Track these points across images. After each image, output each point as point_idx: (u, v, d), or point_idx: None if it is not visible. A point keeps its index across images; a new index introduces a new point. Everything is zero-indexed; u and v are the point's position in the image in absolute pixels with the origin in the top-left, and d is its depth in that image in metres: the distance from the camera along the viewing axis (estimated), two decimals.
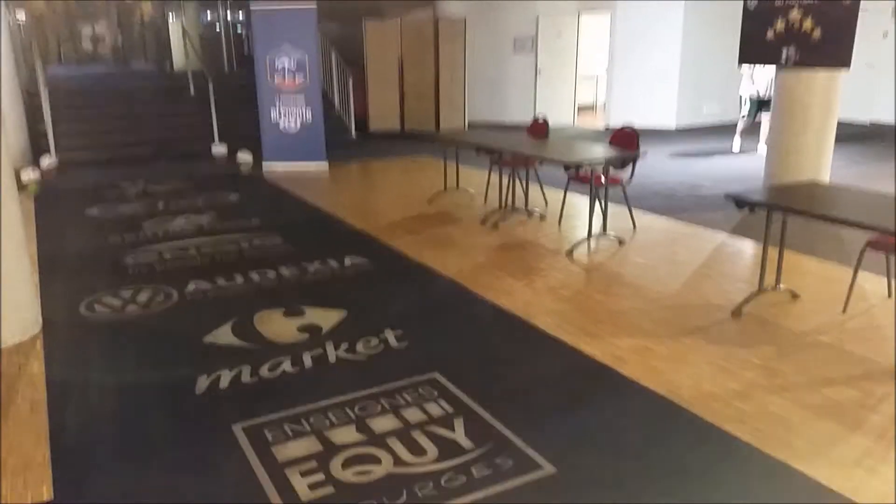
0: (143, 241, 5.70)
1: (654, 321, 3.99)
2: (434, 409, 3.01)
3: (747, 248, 5.41)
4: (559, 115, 12.60)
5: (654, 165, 8.43)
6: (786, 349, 3.61)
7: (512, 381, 3.32)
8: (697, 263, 5.07)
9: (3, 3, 8.71)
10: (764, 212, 4.04)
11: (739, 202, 4.01)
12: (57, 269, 5.03)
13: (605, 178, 5.49)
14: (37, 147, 9.02)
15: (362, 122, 11.33)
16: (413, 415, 2.97)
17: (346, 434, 2.84)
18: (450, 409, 3.02)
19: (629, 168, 5.61)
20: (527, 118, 12.53)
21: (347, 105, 10.82)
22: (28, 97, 9.44)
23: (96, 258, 5.34)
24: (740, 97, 9.68)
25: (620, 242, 5.48)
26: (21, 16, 13.54)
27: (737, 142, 9.87)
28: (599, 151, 5.71)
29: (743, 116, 9.67)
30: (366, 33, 11.47)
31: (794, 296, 4.28)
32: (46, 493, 2.53)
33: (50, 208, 6.88)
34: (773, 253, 4.21)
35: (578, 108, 13.51)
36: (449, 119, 11.84)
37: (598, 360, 3.47)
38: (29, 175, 7.62)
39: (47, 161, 8.34)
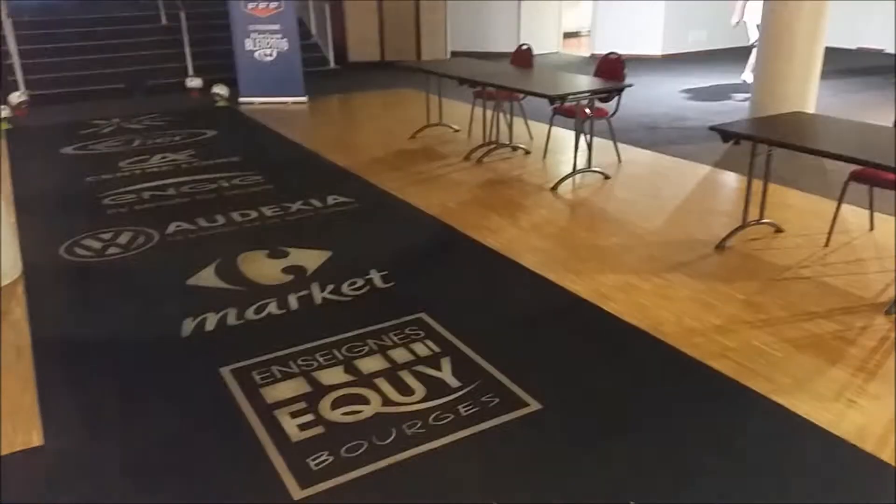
0: (120, 180, 5.59)
1: (639, 257, 4.01)
2: (421, 349, 3.04)
3: (731, 182, 5.41)
4: (544, 42, 12.33)
5: (638, 96, 8.33)
6: (768, 283, 3.65)
7: (498, 320, 3.34)
8: (681, 198, 5.06)
9: None
10: (749, 144, 4.02)
11: (724, 135, 3.98)
12: (35, 211, 4.93)
13: (591, 110, 5.40)
14: (5, 83, 8.71)
15: (341, 52, 11.02)
16: (400, 355, 3.00)
17: (334, 375, 2.86)
18: (436, 348, 3.04)
19: (614, 99, 5.52)
20: (511, 46, 12.22)
21: (325, 34, 10.50)
22: None
23: (74, 199, 5.23)
24: (745, 22, 9.04)
25: (605, 177, 5.46)
26: None
27: (749, 74, 9.04)
28: (584, 83, 5.61)
29: (754, 46, 9.00)
30: None
31: (778, 230, 4.31)
32: (36, 438, 2.54)
33: (23, 147, 6.69)
34: (756, 186, 4.21)
35: (564, 35, 13.24)
36: (431, 48, 11.55)
37: (583, 298, 3.50)
38: None
39: (17, 97, 8.07)
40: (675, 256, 4.01)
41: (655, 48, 11.84)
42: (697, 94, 8.89)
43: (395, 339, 3.13)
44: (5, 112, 7.48)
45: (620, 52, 5.89)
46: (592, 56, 12.12)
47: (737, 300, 3.48)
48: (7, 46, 8.56)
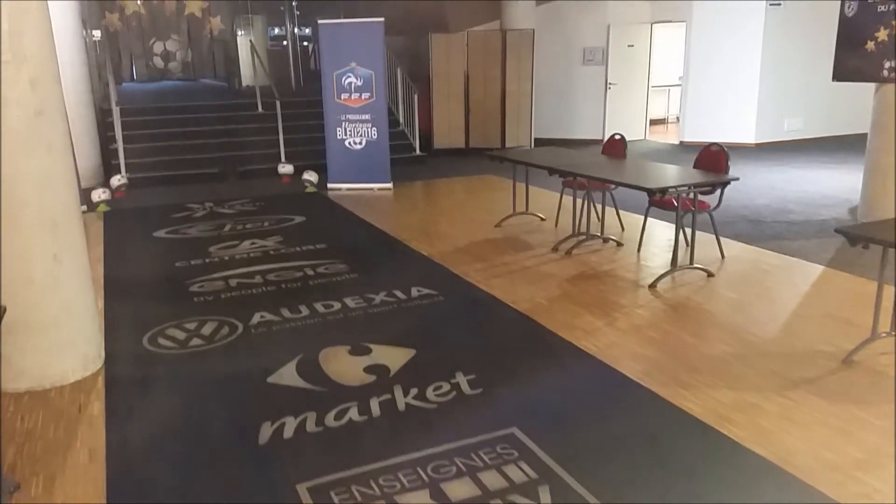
0: (209, 266, 5.59)
1: (756, 370, 3.60)
2: (515, 474, 2.72)
3: (849, 284, 4.92)
4: (630, 129, 12.13)
5: (736, 186, 7.94)
6: None
7: (600, 441, 3.00)
8: (795, 301, 4.64)
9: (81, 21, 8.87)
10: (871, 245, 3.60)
11: (851, 238, 3.61)
12: (122, 296, 4.95)
13: (694, 203, 5.09)
14: (108, 165, 9.14)
15: (427, 139, 11.15)
16: (492, 480, 2.69)
17: (418, 500, 2.58)
18: (532, 473, 2.72)
19: (717, 192, 5.21)
20: (596, 133, 12.22)
21: (412, 121, 10.66)
22: (101, 115, 9.59)
23: (162, 285, 5.24)
24: None
25: (709, 275, 5.08)
26: (96, 33, 13.89)
27: None
28: (683, 174, 5.33)
29: None
30: (432, 47, 11.30)
31: None
32: None
33: (118, 229, 6.88)
34: (887, 292, 3.76)
35: (650, 122, 13.06)
36: (515, 135, 11.55)
37: (698, 418, 3.12)
38: (99, 195, 7.68)
39: (118, 180, 8.41)
40: (798, 371, 3.58)
41: (748, 136, 11.46)
42: (799, 185, 8.43)
43: (485, 458, 2.84)
44: (105, 195, 7.76)
45: (711, 139, 5.61)
46: (682, 144, 11.85)
47: (876, 427, 3.03)
48: (113, 132, 9.00)
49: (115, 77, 9.92)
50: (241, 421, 3.21)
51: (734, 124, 11.47)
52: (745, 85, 11.36)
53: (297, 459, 2.88)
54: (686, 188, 4.90)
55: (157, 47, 18.91)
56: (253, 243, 6.26)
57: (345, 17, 9.29)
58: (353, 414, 3.23)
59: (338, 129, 8.58)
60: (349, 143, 8.61)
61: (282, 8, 16.41)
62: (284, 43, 16.50)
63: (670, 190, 4.83)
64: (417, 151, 10.64)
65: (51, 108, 3.50)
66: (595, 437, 3.03)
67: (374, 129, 8.56)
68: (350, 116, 8.55)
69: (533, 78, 11.36)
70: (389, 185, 8.71)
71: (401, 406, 3.30)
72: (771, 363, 3.68)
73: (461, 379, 3.55)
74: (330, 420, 3.18)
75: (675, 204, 4.99)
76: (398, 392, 3.43)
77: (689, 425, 3.08)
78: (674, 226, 5.13)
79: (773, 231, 6.35)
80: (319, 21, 8.67)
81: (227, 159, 9.64)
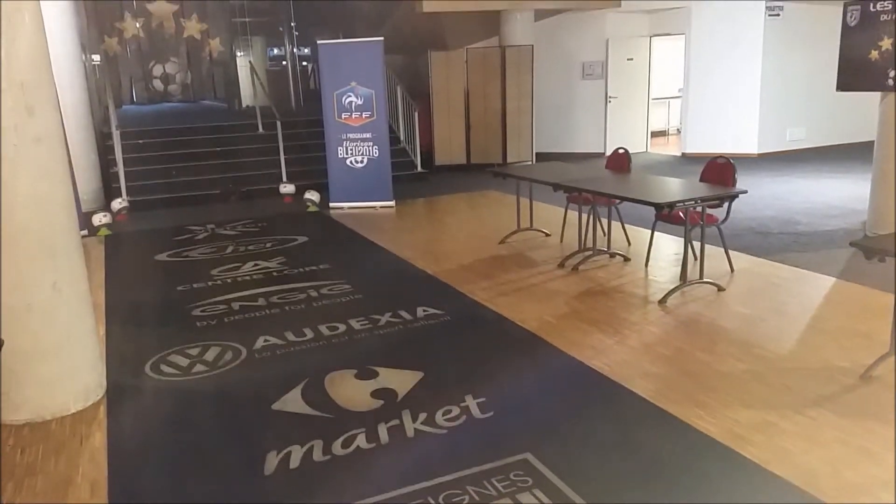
0: (212, 290, 5.52)
1: (772, 388, 3.51)
2: (530, 503, 2.64)
3: (862, 297, 4.84)
4: (632, 142, 12.09)
5: (742, 197, 7.87)
6: None
7: (616, 465, 2.91)
8: (809, 315, 4.56)
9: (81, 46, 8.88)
10: (879, 259, 3.53)
11: (867, 252, 3.53)
12: (124, 322, 4.88)
13: (703, 216, 5.03)
14: (108, 189, 9.10)
15: (428, 155, 11.11)
16: None
17: None
18: (548, 501, 2.63)
19: (724, 205, 5.14)
20: (597, 146, 12.20)
21: (413, 139, 10.63)
22: (101, 138, 9.57)
23: (164, 310, 5.17)
24: None
25: (719, 289, 5.00)
26: (96, 58, 13.93)
27: None
28: (691, 188, 5.27)
29: None
30: (431, 65, 11.29)
31: None
32: None
33: (119, 253, 6.82)
34: None
35: (651, 134, 13.03)
36: (516, 150, 11.50)
37: (716, 439, 3.03)
38: (100, 219, 7.63)
39: (119, 203, 8.36)
40: (815, 388, 3.50)
41: (751, 146, 11.42)
42: (804, 195, 8.36)
43: (498, 486, 2.75)
44: (106, 219, 7.72)
45: (713, 150, 5.56)
46: (684, 155, 11.81)
47: None
48: (114, 155, 8.97)
49: (114, 101, 9.91)
50: (247, 450, 3.13)
51: (736, 135, 11.43)
52: (746, 95, 11.34)
53: (305, 490, 2.80)
54: (694, 202, 4.83)
55: (157, 70, 18.94)
56: (255, 265, 6.19)
57: (344, 37, 9.29)
58: (361, 441, 3.15)
59: (339, 148, 8.55)
60: (350, 162, 8.58)
61: (280, 29, 16.46)
62: (284, 63, 16.52)
63: (678, 204, 4.76)
64: (419, 168, 10.60)
65: (49, 135, 3.45)
66: (610, 461, 2.94)
67: (375, 147, 8.53)
68: (351, 135, 8.52)
69: (533, 93, 11.33)
70: (392, 203, 8.66)
71: (410, 432, 3.22)
72: (787, 380, 3.59)
73: (471, 402, 3.47)
74: (337, 448, 3.09)
75: (684, 218, 4.92)
76: (406, 417, 3.35)
77: (707, 447, 3.00)
78: (681, 239, 5.07)
79: (781, 243, 6.28)
80: (319, 41, 8.67)
81: (229, 180, 9.60)
